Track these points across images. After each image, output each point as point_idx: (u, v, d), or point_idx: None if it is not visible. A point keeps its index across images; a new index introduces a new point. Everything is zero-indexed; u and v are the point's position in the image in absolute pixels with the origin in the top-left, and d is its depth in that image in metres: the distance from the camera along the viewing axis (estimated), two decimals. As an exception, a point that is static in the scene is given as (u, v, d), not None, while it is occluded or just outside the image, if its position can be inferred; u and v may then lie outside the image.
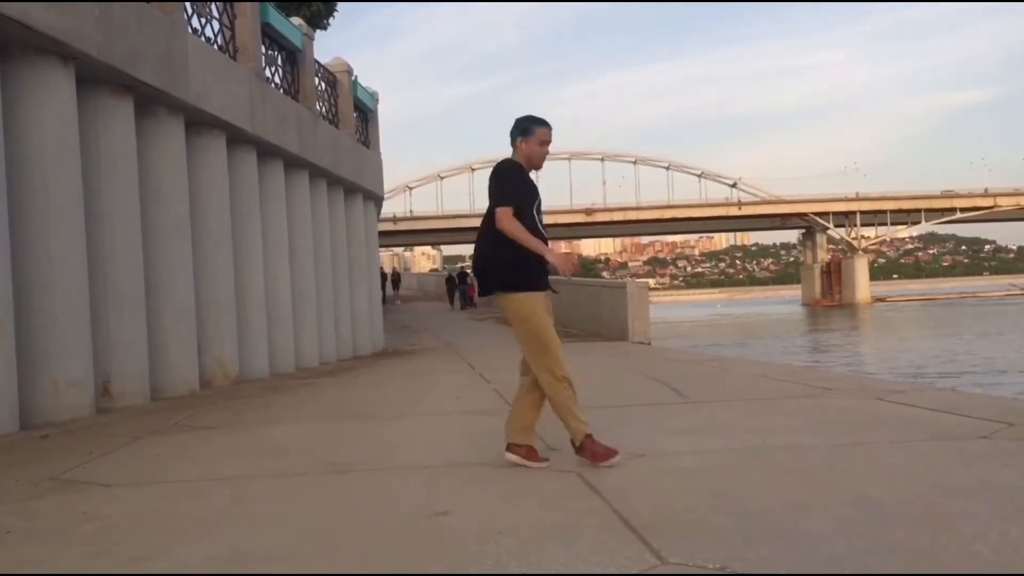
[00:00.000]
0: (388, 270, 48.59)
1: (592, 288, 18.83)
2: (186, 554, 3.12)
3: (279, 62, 12.28)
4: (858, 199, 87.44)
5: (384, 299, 34.35)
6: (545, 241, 4.30)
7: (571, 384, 4.29)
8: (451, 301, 36.00)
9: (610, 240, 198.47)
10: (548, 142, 4.40)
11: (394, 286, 41.77)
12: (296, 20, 12.94)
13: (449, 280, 38.74)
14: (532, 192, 4.32)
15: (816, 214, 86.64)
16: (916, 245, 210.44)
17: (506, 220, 4.18)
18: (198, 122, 9.58)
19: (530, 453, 4.40)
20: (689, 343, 32.67)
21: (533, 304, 4.25)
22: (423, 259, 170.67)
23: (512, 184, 4.27)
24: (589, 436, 4.30)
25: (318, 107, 13.50)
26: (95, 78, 7.76)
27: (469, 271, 42.56)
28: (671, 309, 79.03)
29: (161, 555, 3.11)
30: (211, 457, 5.21)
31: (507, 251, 4.20)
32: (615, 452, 4.28)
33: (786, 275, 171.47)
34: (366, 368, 11.86)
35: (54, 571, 3.00)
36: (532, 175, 4.45)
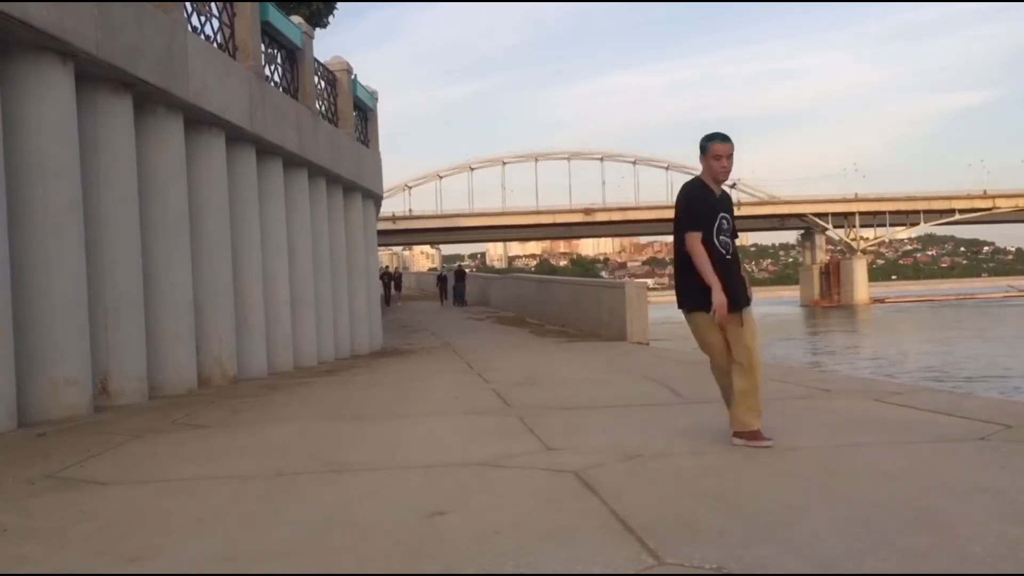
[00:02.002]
0: (391, 269, 47.55)
1: (591, 288, 18.84)
2: (183, 553, 3.12)
3: (279, 60, 12.28)
4: (857, 200, 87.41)
5: (387, 300, 34.26)
6: (728, 263, 4.61)
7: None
8: (441, 298, 37.19)
9: (609, 240, 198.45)
10: (721, 156, 4.63)
11: (396, 286, 40.67)
12: (296, 19, 12.95)
13: (441, 279, 39.93)
14: (712, 213, 4.60)
15: (815, 215, 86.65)
16: (915, 246, 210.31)
17: (690, 244, 4.59)
18: (197, 120, 9.57)
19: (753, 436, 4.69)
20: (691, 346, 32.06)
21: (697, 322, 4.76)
22: (422, 258, 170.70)
23: (694, 211, 4.63)
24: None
25: (317, 106, 13.50)
26: (94, 76, 7.76)
27: (467, 270, 42.92)
28: (671, 310, 79.10)
29: (158, 554, 3.11)
30: (209, 456, 5.21)
31: (687, 275, 4.69)
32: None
33: (785, 276, 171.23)
34: (364, 367, 11.86)
35: (51, 570, 3.00)
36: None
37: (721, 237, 4.61)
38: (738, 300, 4.62)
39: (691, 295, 4.69)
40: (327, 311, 13.50)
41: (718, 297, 4.50)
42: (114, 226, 7.98)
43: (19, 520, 3.71)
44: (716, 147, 4.61)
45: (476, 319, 25.08)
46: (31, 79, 7.02)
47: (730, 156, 4.65)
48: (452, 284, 36.55)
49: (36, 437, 6.06)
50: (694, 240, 4.56)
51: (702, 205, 4.61)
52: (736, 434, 4.71)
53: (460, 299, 35.00)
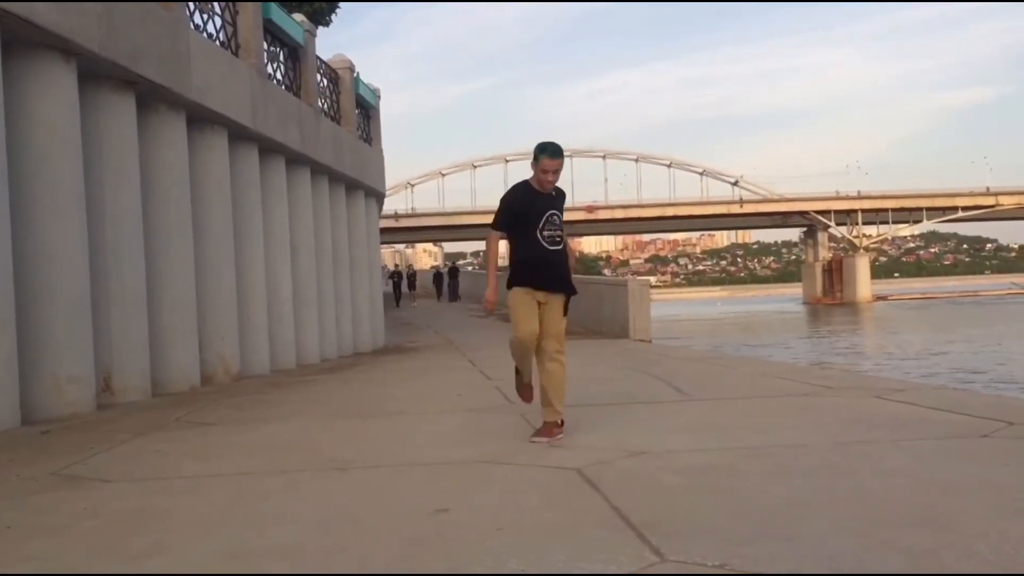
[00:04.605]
0: (403, 268, 45.87)
1: (593, 286, 18.82)
2: (188, 551, 3.12)
3: (281, 59, 12.28)
4: (860, 197, 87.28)
5: (398, 300, 33.67)
6: (554, 253, 4.97)
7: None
8: (439, 295, 38.29)
9: (611, 238, 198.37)
10: (548, 171, 4.92)
11: (410, 286, 37.34)
12: (298, 17, 12.94)
13: (437, 276, 40.69)
14: (528, 213, 4.94)
15: (818, 212, 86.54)
16: (918, 244, 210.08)
17: (488, 242, 5.19)
18: (200, 119, 9.58)
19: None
20: (710, 344, 30.55)
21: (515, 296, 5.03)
22: (425, 256, 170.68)
23: (500, 213, 5.05)
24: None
25: (320, 104, 13.50)
26: (97, 74, 7.77)
27: (464, 268, 43.40)
28: (673, 307, 78.99)
29: (163, 551, 3.12)
30: (213, 453, 5.22)
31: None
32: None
33: (787, 273, 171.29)
34: (367, 365, 11.87)
35: (56, 567, 3.01)
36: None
37: (546, 232, 4.95)
38: (560, 287, 5.05)
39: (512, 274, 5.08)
40: (330, 309, 13.51)
41: (489, 295, 5.08)
42: (117, 224, 7.99)
43: (23, 517, 3.72)
44: (545, 162, 4.91)
45: (479, 316, 25.06)
46: (34, 77, 7.03)
47: (556, 172, 4.94)
48: (447, 281, 38.04)
49: (39, 434, 6.08)
50: (490, 238, 5.14)
51: (518, 207, 4.97)
52: (552, 427, 5.02)
53: (454, 294, 36.37)
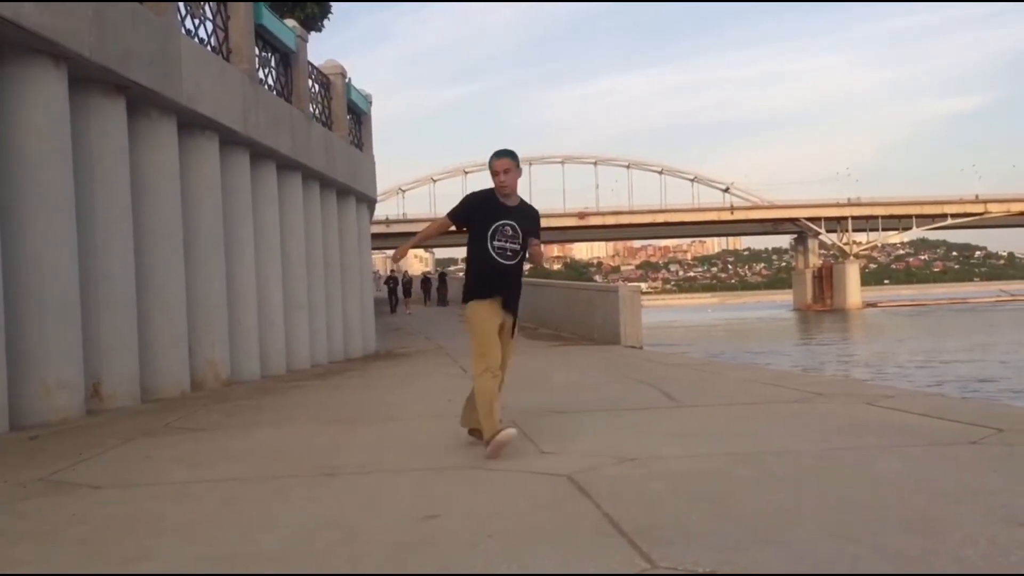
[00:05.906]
0: (399, 274, 45.50)
1: (585, 292, 18.85)
2: (177, 556, 3.11)
3: (272, 64, 12.27)
4: (850, 204, 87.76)
5: (393, 307, 33.54)
6: (504, 268, 4.86)
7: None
8: (426, 299, 39.28)
9: (603, 244, 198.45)
10: (498, 172, 4.90)
11: (406, 292, 37.31)
12: (290, 22, 12.94)
13: (425, 281, 41.62)
14: (483, 214, 4.88)
15: (808, 219, 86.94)
16: (907, 251, 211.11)
17: (435, 221, 5.09)
18: (191, 123, 9.56)
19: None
20: (707, 352, 29.96)
21: (476, 311, 4.88)
22: (415, 261, 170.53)
23: (459, 204, 5.01)
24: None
25: (311, 109, 13.49)
26: (88, 78, 7.74)
27: (433, 275, 44.32)
28: (664, 313, 79.17)
29: (152, 557, 3.10)
30: (202, 459, 5.20)
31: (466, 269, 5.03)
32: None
33: (778, 280, 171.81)
34: (357, 371, 11.84)
35: (44, 572, 2.99)
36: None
37: (496, 243, 4.86)
38: (512, 304, 4.97)
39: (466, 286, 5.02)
40: (320, 314, 13.49)
41: (401, 248, 5.04)
42: (107, 229, 7.97)
43: (11, 523, 3.69)
44: (493, 164, 4.93)
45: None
46: (24, 82, 7.01)
47: (507, 171, 4.89)
48: (436, 286, 39.31)
49: (28, 440, 6.04)
50: (439, 219, 5.02)
51: (474, 205, 4.95)
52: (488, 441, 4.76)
53: (442, 299, 37.54)
